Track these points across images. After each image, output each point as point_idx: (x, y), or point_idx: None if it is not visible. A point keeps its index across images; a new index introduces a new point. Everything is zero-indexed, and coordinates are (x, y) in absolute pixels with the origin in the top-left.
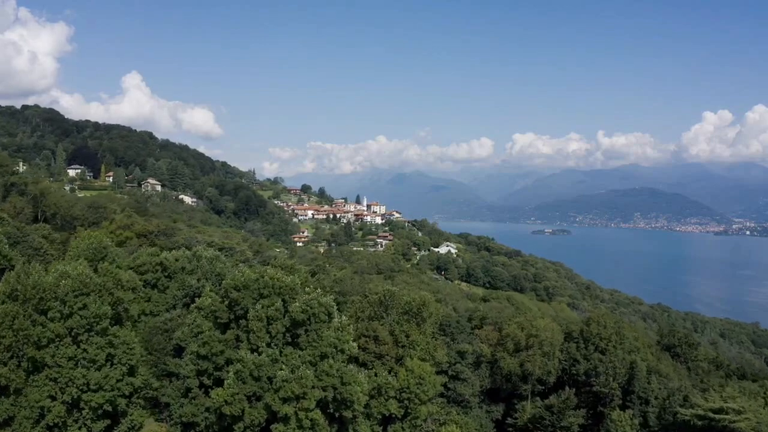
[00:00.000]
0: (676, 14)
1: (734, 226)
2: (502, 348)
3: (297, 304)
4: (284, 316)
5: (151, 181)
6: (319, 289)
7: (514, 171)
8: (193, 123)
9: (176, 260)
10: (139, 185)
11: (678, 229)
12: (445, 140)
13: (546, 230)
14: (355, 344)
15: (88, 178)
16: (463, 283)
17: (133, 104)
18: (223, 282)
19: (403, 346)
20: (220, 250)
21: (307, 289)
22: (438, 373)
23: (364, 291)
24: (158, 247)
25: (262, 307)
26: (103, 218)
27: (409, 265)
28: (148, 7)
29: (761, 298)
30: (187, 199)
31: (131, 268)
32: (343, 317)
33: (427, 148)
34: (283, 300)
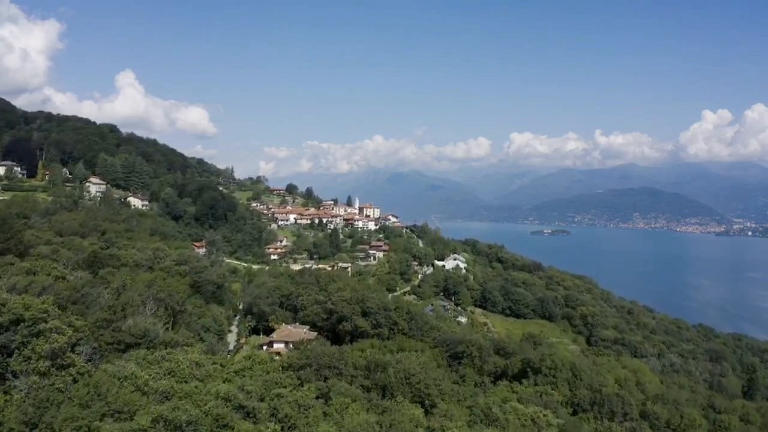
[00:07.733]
0: (676, 14)
1: (735, 227)
2: None
3: None
4: None
5: (93, 180)
6: None
7: (511, 170)
8: (188, 122)
9: None
10: (81, 184)
11: (678, 229)
12: (442, 140)
13: (545, 231)
14: None
15: (20, 175)
16: (478, 310)
17: (127, 103)
18: None
19: None
20: None
21: None
22: None
23: None
24: None
25: None
26: None
27: (408, 288)
28: (144, 5)
29: None
30: (137, 202)
31: None
32: None
33: (424, 147)
34: None
